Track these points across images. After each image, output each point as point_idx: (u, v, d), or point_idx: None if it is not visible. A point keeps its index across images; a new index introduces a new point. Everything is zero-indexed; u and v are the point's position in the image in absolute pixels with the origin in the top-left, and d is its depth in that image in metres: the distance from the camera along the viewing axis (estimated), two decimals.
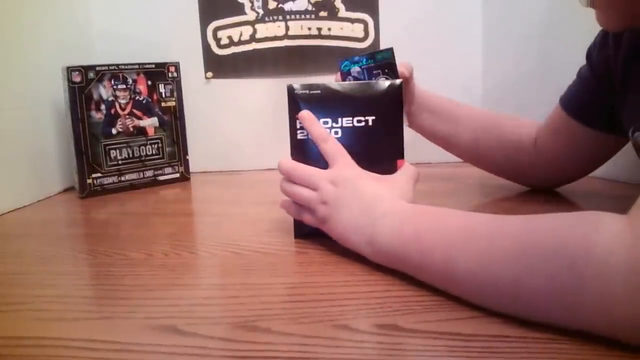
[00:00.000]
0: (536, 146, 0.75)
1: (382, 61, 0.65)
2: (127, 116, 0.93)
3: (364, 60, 0.66)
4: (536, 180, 0.79)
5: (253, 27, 1.06)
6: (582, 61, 0.71)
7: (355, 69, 0.66)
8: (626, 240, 0.32)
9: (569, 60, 0.74)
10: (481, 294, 0.39)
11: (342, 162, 0.54)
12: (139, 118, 0.95)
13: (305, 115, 0.56)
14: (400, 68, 0.67)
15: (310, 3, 1.05)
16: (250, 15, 1.05)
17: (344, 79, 0.67)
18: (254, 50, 1.07)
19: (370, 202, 0.50)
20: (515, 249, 0.37)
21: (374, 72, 0.65)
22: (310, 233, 0.58)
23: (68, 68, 0.86)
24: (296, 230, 0.60)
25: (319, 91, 0.57)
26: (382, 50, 0.67)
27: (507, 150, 0.78)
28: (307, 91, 0.57)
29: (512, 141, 0.77)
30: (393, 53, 0.66)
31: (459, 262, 0.40)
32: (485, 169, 0.84)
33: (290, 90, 0.57)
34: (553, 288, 0.34)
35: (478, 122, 0.79)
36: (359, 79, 0.66)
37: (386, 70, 0.66)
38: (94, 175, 0.90)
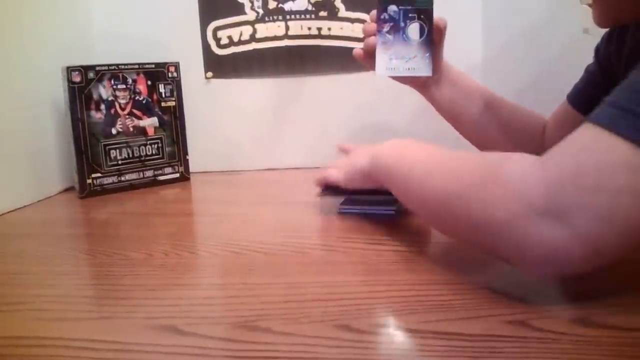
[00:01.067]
0: (544, 140, 0.76)
1: (420, 6, 0.68)
2: (127, 116, 0.93)
3: (402, 2, 0.69)
4: None
5: (253, 27, 1.06)
6: (582, 60, 0.71)
7: (393, 7, 0.69)
8: (525, 168, 0.39)
9: (569, 60, 0.74)
10: (426, 201, 0.49)
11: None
12: (139, 118, 0.95)
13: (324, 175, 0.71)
14: (436, 19, 0.69)
15: (310, 3, 1.05)
16: (250, 15, 1.05)
17: (379, 15, 0.69)
18: (254, 50, 1.07)
19: (374, 145, 0.63)
20: (450, 166, 0.47)
21: (410, 15, 0.68)
22: (332, 188, 0.72)
23: (68, 68, 0.86)
24: (322, 190, 0.73)
25: None
26: None
27: (515, 141, 0.78)
28: None
29: (521, 132, 0.78)
30: (433, 0, 0.68)
31: (431, 176, 0.48)
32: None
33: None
34: (467, 186, 0.42)
35: (494, 108, 0.79)
36: (395, 19, 0.69)
37: (422, 17, 0.68)
38: (93, 175, 0.90)
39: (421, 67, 0.70)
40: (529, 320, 0.38)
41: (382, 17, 0.69)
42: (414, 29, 0.70)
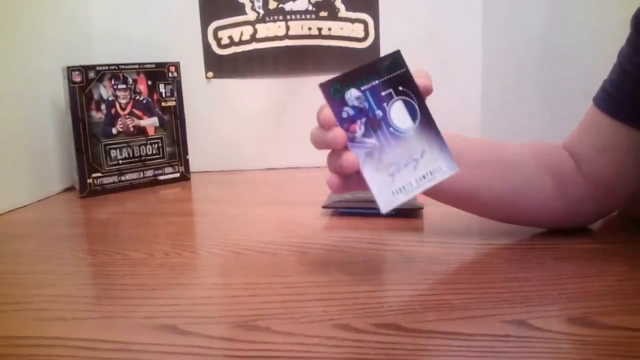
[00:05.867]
0: (582, 174, 0.56)
1: (391, 74, 0.44)
2: (128, 116, 0.93)
3: (364, 78, 0.43)
4: (588, 214, 0.59)
5: (254, 27, 1.06)
6: (582, 60, 0.70)
7: (354, 93, 0.43)
8: None
9: (571, 59, 0.74)
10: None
11: None
12: (139, 118, 0.95)
13: None
14: (420, 80, 0.45)
15: (311, 3, 1.05)
16: (251, 15, 1.05)
17: (337, 112, 0.43)
18: (254, 50, 1.07)
19: None
20: None
21: (383, 92, 0.44)
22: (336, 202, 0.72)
23: (68, 68, 0.86)
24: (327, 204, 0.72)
25: None
26: (385, 57, 0.44)
27: (548, 191, 0.56)
28: None
29: (557, 175, 0.56)
30: (402, 57, 0.44)
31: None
32: (524, 222, 0.59)
33: None
34: None
35: (515, 162, 0.57)
36: (363, 109, 0.43)
37: (400, 88, 0.44)
38: (94, 175, 0.90)
39: (440, 166, 0.45)
40: (529, 320, 0.38)
41: (343, 115, 0.43)
42: (399, 112, 0.44)
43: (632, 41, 0.53)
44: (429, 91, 0.46)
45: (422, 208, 0.68)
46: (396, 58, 0.44)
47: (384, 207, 0.43)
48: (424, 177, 0.44)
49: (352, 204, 0.70)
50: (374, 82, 0.44)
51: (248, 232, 0.65)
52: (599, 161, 0.55)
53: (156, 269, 0.53)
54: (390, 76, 0.44)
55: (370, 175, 0.43)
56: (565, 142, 0.59)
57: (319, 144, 0.45)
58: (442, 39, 1.07)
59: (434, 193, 0.55)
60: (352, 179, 0.45)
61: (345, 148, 0.43)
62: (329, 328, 0.38)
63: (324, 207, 0.71)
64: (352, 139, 0.43)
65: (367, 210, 0.69)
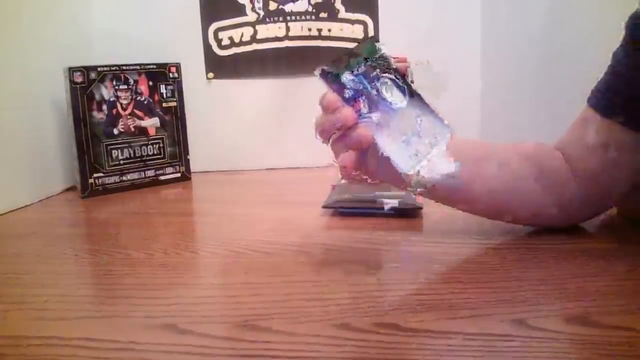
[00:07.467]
0: (575, 174, 0.56)
1: (372, 57, 0.48)
2: (129, 116, 0.94)
3: (352, 62, 0.47)
4: (580, 213, 0.59)
5: (254, 28, 1.06)
6: (582, 60, 0.70)
7: (348, 78, 0.47)
8: None
9: (570, 59, 0.74)
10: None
11: None
12: (140, 118, 0.95)
13: None
14: (397, 64, 0.49)
15: (311, 4, 1.05)
16: (251, 16, 1.06)
17: (340, 92, 0.46)
18: (254, 51, 1.07)
19: None
20: None
21: (372, 74, 0.47)
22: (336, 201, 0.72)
23: (70, 68, 0.87)
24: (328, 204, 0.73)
25: None
26: (362, 44, 0.49)
27: (543, 189, 0.57)
28: None
29: (551, 175, 0.57)
30: (375, 44, 0.49)
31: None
32: (517, 221, 0.60)
33: None
34: None
35: (507, 162, 0.57)
36: (358, 90, 0.47)
37: (384, 69, 0.48)
38: (95, 175, 0.90)
39: (440, 130, 0.47)
40: (529, 319, 0.38)
41: (345, 96, 0.46)
42: (389, 90, 0.48)
43: (626, 44, 0.54)
44: (405, 70, 0.49)
45: (421, 208, 0.69)
46: (372, 44, 0.48)
47: (406, 169, 0.45)
48: (430, 143, 0.47)
49: (352, 204, 0.71)
50: (362, 66, 0.47)
51: (248, 232, 0.65)
52: (592, 161, 0.55)
53: (156, 269, 0.53)
54: (372, 59, 0.48)
55: (386, 142, 0.46)
56: (557, 143, 0.59)
57: (328, 127, 0.46)
58: (442, 40, 1.07)
59: (429, 192, 0.52)
60: (365, 154, 0.46)
61: (355, 126, 0.45)
62: (329, 328, 0.39)
63: (324, 207, 0.71)
64: (360, 114, 0.46)
65: (367, 210, 0.69)
